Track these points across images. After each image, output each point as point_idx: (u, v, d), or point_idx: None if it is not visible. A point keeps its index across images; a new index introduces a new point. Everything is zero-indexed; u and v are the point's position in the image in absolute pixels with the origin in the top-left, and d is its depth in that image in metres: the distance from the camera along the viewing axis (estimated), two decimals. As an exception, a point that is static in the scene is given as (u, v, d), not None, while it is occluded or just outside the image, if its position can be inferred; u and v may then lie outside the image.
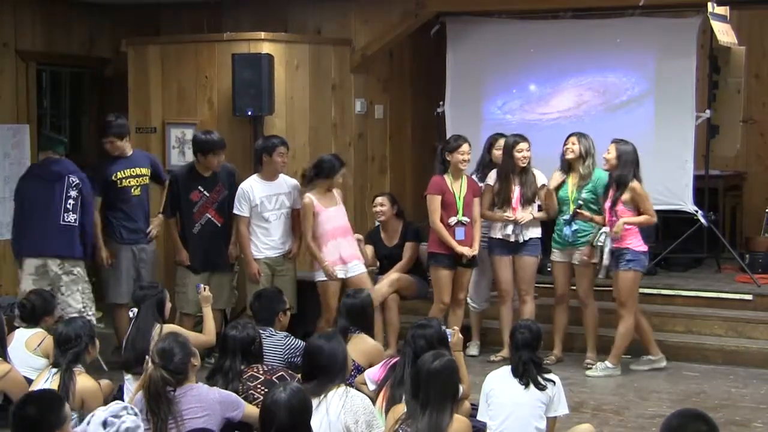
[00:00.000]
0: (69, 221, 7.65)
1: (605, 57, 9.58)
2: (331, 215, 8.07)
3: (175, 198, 8.31)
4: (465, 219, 8.13)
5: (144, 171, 8.30)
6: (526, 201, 8.26)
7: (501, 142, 8.50)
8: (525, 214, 8.23)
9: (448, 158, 8.21)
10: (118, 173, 8.20)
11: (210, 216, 8.26)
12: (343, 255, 8.08)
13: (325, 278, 8.03)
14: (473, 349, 8.56)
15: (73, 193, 7.68)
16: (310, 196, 8.04)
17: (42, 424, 4.16)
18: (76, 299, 7.70)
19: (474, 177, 8.49)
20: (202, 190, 8.24)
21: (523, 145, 8.23)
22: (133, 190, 8.26)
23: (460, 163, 8.16)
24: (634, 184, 7.79)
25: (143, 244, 8.30)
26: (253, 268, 8.09)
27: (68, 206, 7.67)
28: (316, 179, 8.11)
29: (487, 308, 8.73)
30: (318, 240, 8.05)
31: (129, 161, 8.28)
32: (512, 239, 8.27)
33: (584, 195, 8.04)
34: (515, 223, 8.21)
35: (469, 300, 8.62)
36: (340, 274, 8.05)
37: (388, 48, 9.96)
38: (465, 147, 8.18)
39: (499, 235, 8.32)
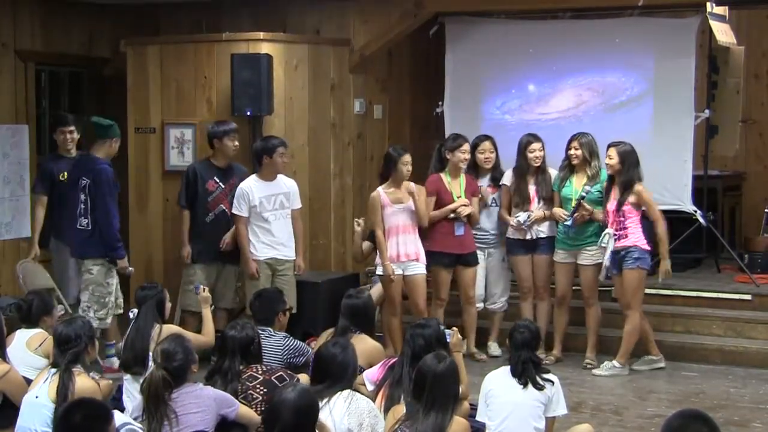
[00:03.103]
0: (83, 225, 7.77)
1: (604, 57, 9.58)
2: (395, 211, 7.97)
3: (191, 189, 8.35)
4: (464, 218, 8.19)
5: None
6: (542, 200, 8.31)
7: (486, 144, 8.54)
8: (537, 212, 8.28)
9: (447, 157, 8.25)
10: (65, 173, 8.31)
11: (224, 207, 8.32)
12: (401, 252, 7.97)
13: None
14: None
15: (82, 197, 7.78)
16: (378, 190, 8.01)
17: None
18: (84, 297, 7.83)
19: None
20: (218, 180, 8.32)
21: (535, 146, 8.32)
22: None
23: (461, 162, 8.21)
24: (640, 187, 7.83)
25: (75, 247, 8.24)
26: (251, 267, 8.09)
27: (81, 210, 7.81)
28: (389, 173, 8.02)
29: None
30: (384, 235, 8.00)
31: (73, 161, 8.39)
32: (527, 236, 8.34)
33: (594, 195, 8.07)
34: (526, 219, 8.26)
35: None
36: (398, 271, 7.99)
37: (387, 48, 9.95)
38: (466, 146, 8.25)
39: (518, 236, 8.39)
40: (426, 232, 8.20)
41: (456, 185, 8.26)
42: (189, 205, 8.39)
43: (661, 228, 7.91)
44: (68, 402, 4.50)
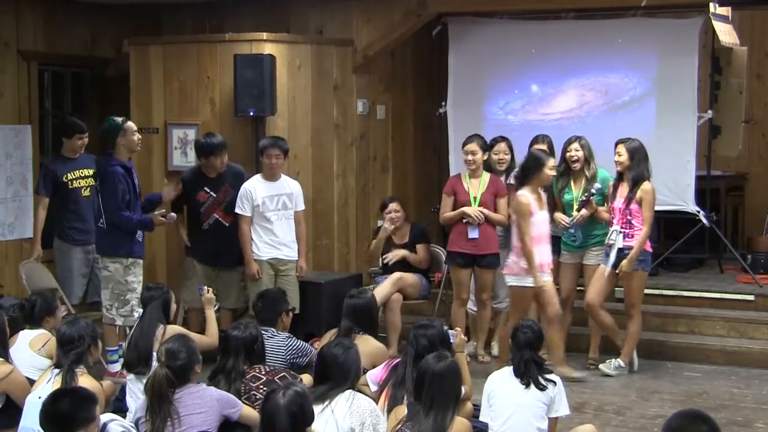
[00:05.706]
0: (101, 224, 7.84)
1: (607, 57, 9.58)
2: (540, 220, 7.55)
3: (180, 197, 8.35)
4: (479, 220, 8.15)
5: (91, 172, 8.39)
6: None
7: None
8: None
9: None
10: (69, 174, 8.41)
11: (218, 216, 8.29)
12: (543, 262, 7.61)
13: (523, 284, 7.51)
14: (469, 348, 8.56)
15: (97, 198, 7.88)
16: (526, 195, 7.43)
17: (72, 420, 4.23)
18: (105, 296, 7.85)
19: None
20: (209, 190, 8.27)
21: (539, 147, 8.29)
22: (83, 191, 8.46)
23: (465, 164, 8.20)
24: (648, 187, 7.81)
25: (94, 244, 8.30)
26: (252, 268, 8.08)
27: (98, 210, 7.87)
28: (530, 177, 7.53)
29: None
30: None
31: (77, 162, 8.49)
32: None
33: (594, 197, 8.05)
34: None
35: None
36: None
37: (390, 48, 9.94)
38: (470, 146, 8.24)
39: None
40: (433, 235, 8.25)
41: (475, 185, 8.24)
42: (178, 211, 8.42)
43: (645, 232, 7.83)
44: (50, 394, 4.55)
